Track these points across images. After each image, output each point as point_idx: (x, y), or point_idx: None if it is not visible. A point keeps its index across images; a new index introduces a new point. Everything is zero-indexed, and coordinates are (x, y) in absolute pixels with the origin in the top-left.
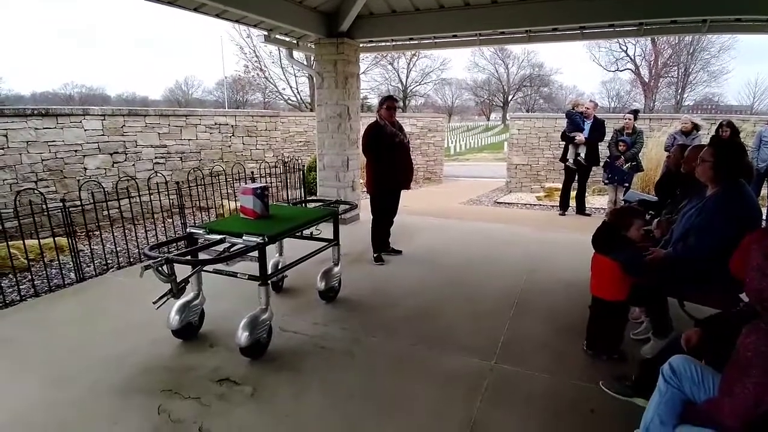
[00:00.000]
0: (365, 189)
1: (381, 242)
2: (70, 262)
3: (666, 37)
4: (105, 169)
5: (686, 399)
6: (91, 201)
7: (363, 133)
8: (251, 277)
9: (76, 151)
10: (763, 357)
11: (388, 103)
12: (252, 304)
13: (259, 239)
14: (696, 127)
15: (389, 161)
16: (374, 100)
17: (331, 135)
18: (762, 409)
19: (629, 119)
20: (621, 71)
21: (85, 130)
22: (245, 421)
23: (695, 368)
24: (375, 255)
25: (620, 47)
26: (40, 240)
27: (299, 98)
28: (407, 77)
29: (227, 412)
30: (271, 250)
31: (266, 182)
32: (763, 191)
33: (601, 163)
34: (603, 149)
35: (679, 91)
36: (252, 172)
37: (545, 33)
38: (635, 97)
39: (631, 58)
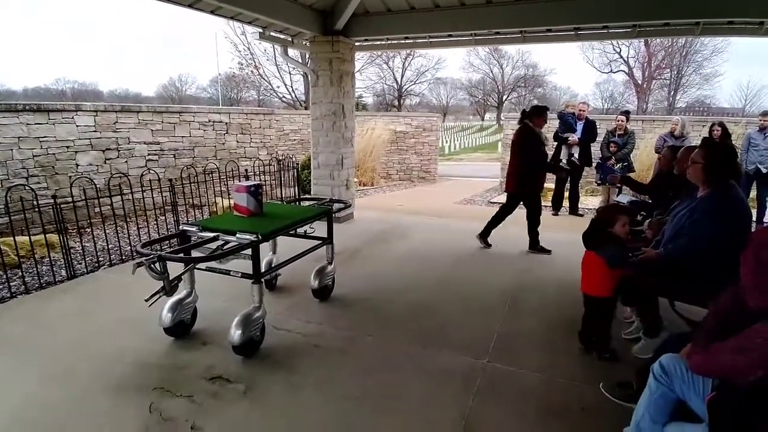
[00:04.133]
0: (506, 187)
1: (490, 229)
2: (61, 259)
3: (659, 39)
4: (97, 165)
5: (676, 397)
6: (83, 197)
7: (524, 134)
8: (244, 275)
9: (67, 147)
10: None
11: (546, 115)
12: (245, 302)
13: (252, 237)
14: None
15: (537, 165)
16: (369, 99)
17: (325, 133)
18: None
19: (621, 120)
20: (614, 73)
21: (77, 126)
22: (238, 420)
23: (685, 367)
24: (483, 237)
25: (614, 49)
26: (31, 237)
27: (294, 96)
28: (402, 76)
29: (220, 411)
30: (265, 248)
31: (260, 180)
32: (752, 193)
33: (594, 164)
34: (595, 150)
35: (672, 93)
36: (246, 170)
37: (540, 34)
38: (628, 98)
39: (624, 60)
